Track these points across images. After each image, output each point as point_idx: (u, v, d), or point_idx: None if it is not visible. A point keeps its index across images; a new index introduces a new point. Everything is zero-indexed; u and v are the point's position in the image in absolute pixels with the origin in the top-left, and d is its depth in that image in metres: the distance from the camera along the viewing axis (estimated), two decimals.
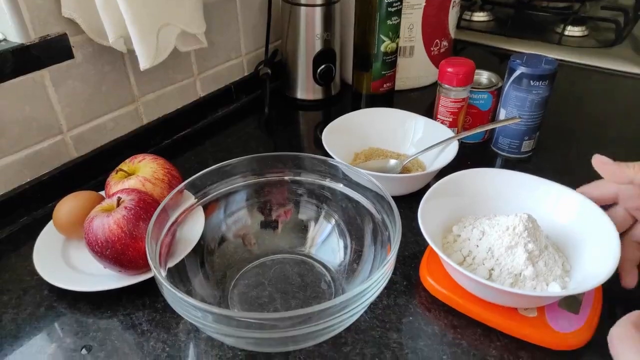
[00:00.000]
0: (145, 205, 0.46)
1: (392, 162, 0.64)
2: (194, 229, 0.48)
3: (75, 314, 0.46)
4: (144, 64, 0.58)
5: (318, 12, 0.77)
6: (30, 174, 0.59)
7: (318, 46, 0.80)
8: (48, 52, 0.55)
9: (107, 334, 0.44)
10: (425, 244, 0.52)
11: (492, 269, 0.44)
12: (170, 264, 0.44)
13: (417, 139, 0.67)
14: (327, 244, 0.52)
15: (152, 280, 0.43)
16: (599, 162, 0.43)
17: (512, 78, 0.63)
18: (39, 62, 0.54)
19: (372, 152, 0.67)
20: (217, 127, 0.79)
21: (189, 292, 0.44)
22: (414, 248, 0.53)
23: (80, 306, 0.47)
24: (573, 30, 1.05)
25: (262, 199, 0.53)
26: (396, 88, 0.82)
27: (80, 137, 0.63)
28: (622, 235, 0.44)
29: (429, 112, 0.71)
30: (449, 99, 0.66)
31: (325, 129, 0.64)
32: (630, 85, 0.89)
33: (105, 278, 0.47)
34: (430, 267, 0.48)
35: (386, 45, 0.74)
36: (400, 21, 0.74)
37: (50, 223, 0.53)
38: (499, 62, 0.98)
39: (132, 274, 0.47)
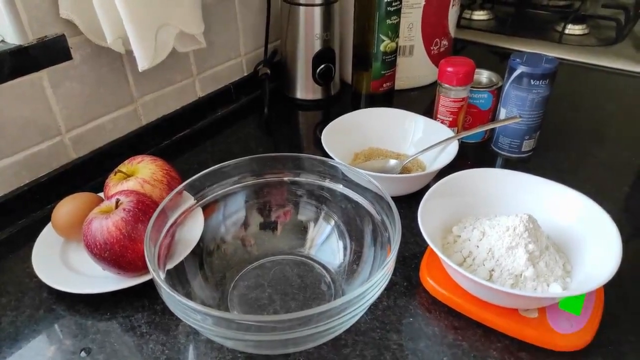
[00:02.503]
0: (143, 207, 0.46)
1: (392, 162, 0.64)
2: (193, 231, 0.48)
3: (74, 316, 0.46)
4: (142, 64, 0.58)
5: (317, 11, 0.77)
6: (29, 176, 0.59)
7: (317, 46, 0.80)
8: (46, 53, 0.54)
9: (106, 336, 0.44)
10: (425, 245, 0.51)
11: (493, 270, 0.44)
12: (170, 266, 0.44)
13: (417, 139, 0.67)
14: (326, 245, 0.52)
15: (152, 282, 0.42)
16: None
17: (512, 77, 0.63)
18: (37, 63, 0.54)
19: (372, 152, 0.67)
20: (216, 127, 0.79)
21: (188, 294, 0.44)
22: (413, 249, 0.53)
23: (79, 308, 0.47)
24: (573, 29, 1.05)
25: (261, 200, 0.53)
26: (396, 88, 0.82)
27: (78, 138, 0.63)
28: None
29: (429, 111, 0.71)
30: (449, 98, 0.66)
31: (325, 129, 0.63)
32: (631, 83, 0.89)
33: (104, 280, 0.47)
34: (430, 268, 0.48)
35: (386, 44, 0.74)
36: (399, 20, 0.74)
37: (49, 225, 0.52)
38: (499, 61, 0.98)
39: (131, 275, 0.47)
